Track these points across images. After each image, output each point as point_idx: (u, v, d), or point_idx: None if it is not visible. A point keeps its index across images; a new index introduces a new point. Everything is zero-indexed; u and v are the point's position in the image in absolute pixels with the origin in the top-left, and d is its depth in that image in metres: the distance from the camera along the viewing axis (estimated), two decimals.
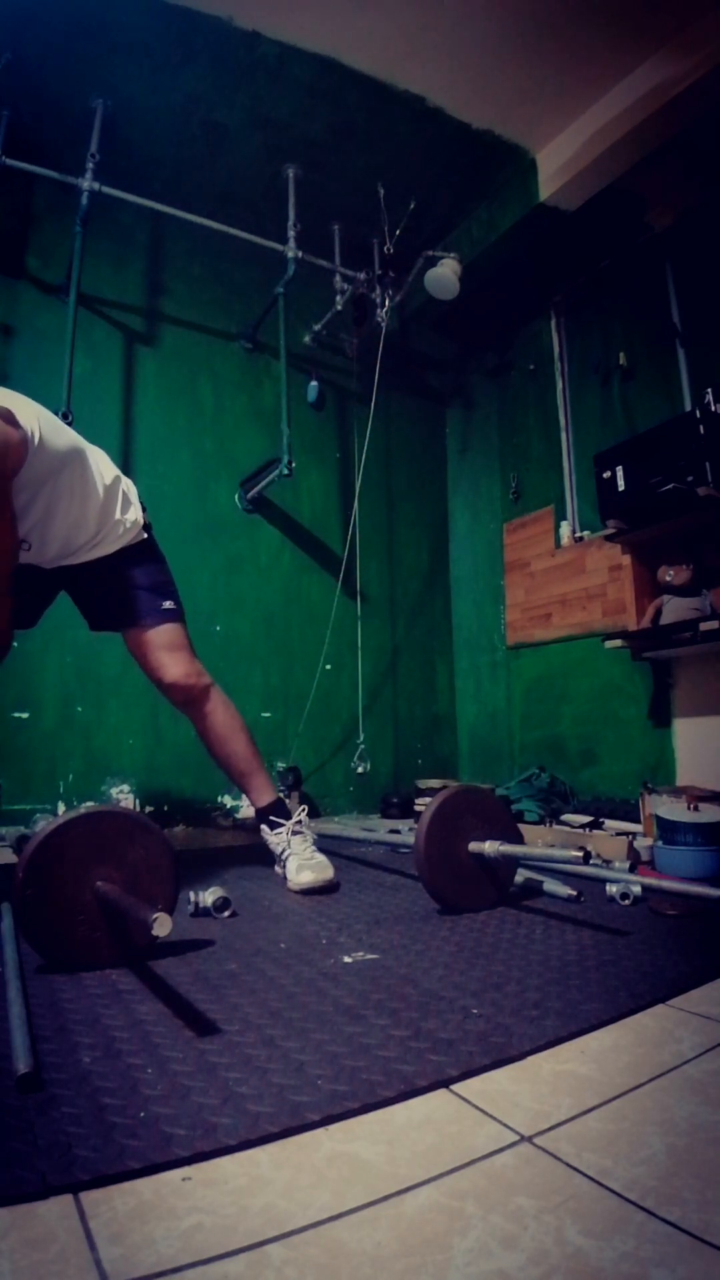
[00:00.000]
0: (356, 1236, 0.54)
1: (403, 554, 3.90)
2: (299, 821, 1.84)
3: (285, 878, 1.75)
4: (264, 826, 1.85)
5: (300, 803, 3.17)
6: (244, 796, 1.92)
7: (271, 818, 1.83)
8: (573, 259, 3.43)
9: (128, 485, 1.72)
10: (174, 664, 1.72)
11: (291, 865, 1.74)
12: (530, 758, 3.39)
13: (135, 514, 1.70)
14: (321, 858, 1.77)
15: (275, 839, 1.82)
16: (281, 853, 1.79)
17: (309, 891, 1.69)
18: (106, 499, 1.62)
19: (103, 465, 1.65)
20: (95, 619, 1.79)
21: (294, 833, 1.81)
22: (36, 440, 1.39)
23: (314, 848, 1.81)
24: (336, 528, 3.62)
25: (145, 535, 1.76)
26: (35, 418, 1.41)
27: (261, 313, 3.44)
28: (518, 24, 2.54)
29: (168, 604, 1.74)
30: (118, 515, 1.65)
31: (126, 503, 1.69)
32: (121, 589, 1.71)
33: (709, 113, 2.62)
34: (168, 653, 1.72)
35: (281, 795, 1.92)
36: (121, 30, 2.53)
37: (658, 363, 3.04)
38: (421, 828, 1.44)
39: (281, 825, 1.82)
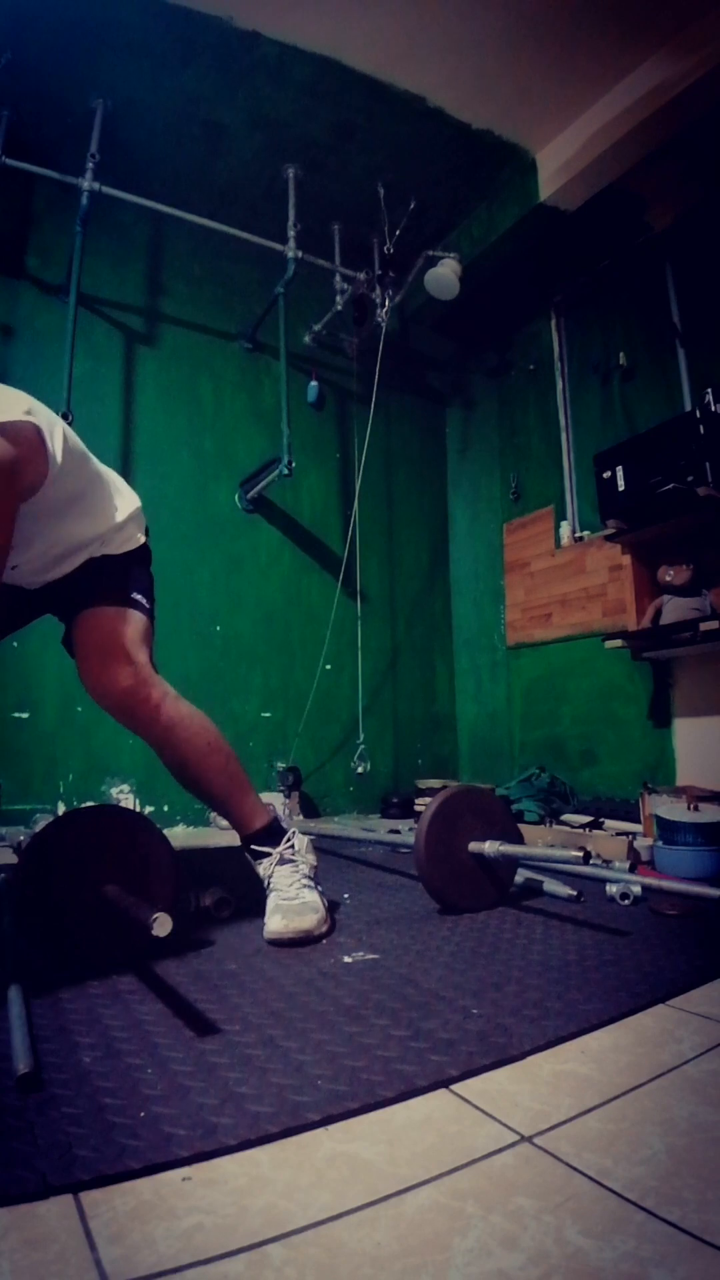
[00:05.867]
0: (356, 1236, 0.54)
1: (403, 554, 3.90)
2: (290, 846, 1.41)
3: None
4: (246, 855, 1.46)
5: (300, 803, 3.17)
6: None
7: (254, 847, 1.43)
8: (572, 259, 3.43)
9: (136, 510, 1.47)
10: (124, 662, 1.32)
11: (269, 905, 1.34)
12: (530, 758, 3.39)
13: (140, 535, 1.47)
14: (307, 896, 1.34)
15: (261, 870, 1.43)
16: (266, 885, 1.40)
17: (279, 943, 1.27)
18: (120, 532, 1.39)
19: (121, 495, 1.41)
20: (45, 602, 1.41)
21: (282, 861, 1.39)
22: (59, 460, 1.19)
23: (304, 880, 1.38)
24: (336, 528, 3.62)
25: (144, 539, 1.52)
26: (62, 439, 1.22)
27: (261, 313, 3.44)
28: (518, 24, 2.54)
29: (138, 596, 1.41)
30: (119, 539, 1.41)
31: (141, 522, 1.47)
32: (99, 578, 1.38)
33: (709, 113, 2.62)
34: (122, 645, 1.32)
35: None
36: (121, 30, 2.53)
37: (658, 363, 3.04)
38: (421, 828, 1.44)
39: (266, 854, 1.41)
